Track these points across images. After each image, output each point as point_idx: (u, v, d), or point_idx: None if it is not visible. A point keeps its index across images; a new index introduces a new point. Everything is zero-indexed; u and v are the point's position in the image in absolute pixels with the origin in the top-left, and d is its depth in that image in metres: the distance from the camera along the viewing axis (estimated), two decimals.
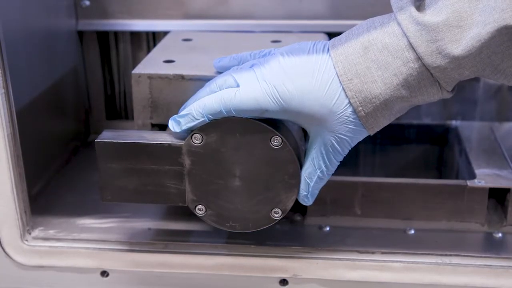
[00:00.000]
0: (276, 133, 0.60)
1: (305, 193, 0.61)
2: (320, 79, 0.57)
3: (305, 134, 0.68)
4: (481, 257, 0.65)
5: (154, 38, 0.93)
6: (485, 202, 0.70)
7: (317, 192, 0.62)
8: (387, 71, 0.56)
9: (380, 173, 0.88)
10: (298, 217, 0.72)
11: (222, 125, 0.60)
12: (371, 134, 0.60)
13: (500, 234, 0.69)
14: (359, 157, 0.89)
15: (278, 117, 0.60)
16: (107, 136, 0.63)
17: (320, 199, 0.71)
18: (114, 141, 0.62)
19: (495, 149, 0.79)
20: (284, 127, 0.61)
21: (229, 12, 0.89)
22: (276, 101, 0.58)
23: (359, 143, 0.89)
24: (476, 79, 0.91)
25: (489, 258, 0.65)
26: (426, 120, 0.93)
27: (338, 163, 0.61)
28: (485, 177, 0.71)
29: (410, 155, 0.88)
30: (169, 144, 0.61)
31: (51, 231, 0.70)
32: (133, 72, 0.68)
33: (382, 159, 0.89)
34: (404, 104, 0.58)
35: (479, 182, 0.70)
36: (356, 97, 0.56)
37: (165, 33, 0.87)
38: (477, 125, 0.87)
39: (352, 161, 0.88)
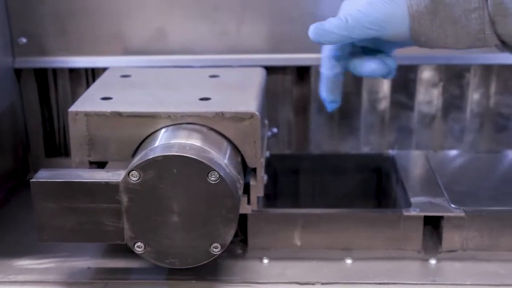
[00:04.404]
0: (213, 168, 0.60)
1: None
2: None
3: (244, 169, 0.69)
4: (417, 284, 0.66)
5: (93, 74, 0.92)
6: (421, 230, 0.72)
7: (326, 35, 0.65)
8: None
9: (321, 203, 0.89)
10: (239, 251, 0.73)
11: (159, 162, 0.60)
12: (412, 32, 0.64)
13: (435, 261, 0.71)
14: (299, 188, 0.90)
15: None
16: (43, 175, 0.62)
17: (260, 232, 0.71)
18: (50, 180, 0.62)
19: (430, 177, 0.81)
20: (221, 162, 0.62)
21: (169, 47, 0.90)
22: None
23: (299, 172, 0.90)
24: (411, 108, 0.93)
25: (425, 285, 0.66)
26: (365, 150, 0.96)
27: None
28: (420, 205, 0.73)
29: (350, 185, 0.90)
30: (106, 182, 0.61)
31: None
32: (69, 110, 0.68)
33: (323, 189, 0.90)
34: (447, 13, 0.61)
35: (414, 210, 0.72)
36: None
37: (104, 69, 0.87)
38: (413, 154, 0.90)
39: (292, 193, 0.90)
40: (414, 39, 0.65)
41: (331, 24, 0.65)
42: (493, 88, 0.93)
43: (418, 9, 0.62)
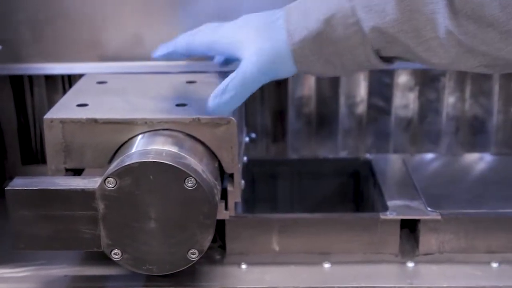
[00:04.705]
0: (190, 174, 0.60)
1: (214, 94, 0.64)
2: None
3: (222, 174, 0.69)
4: (395, 287, 0.67)
5: (70, 80, 0.92)
6: (398, 233, 0.72)
7: (224, 106, 0.65)
8: (322, 4, 0.61)
9: (299, 208, 0.89)
10: (217, 256, 0.73)
11: (136, 168, 0.60)
12: (299, 71, 0.63)
13: (413, 264, 0.71)
14: (277, 193, 0.90)
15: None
16: (18, 183, 0.62)
17: (238, 238, 0.71)
18: (25, 188, 0.61)
19: (406, 181, 0.82)
20: (197, 168, 0.62)
21: (146, 53, 0.90)
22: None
23: (277, 177, 0.90)
24: (387, 113, 0.94)
25: None
26: (343, 154, 0.96)
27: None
28: (397, 208, 0.73)
29: (327, 189, 0.91)
30: (82, 189, 0.61)
31: None
32: (45, 117, 0.67)
33: (301, 194, 0.91)
34: (331, 50, 0.61)
35: (391, 213, 0.72)
36: (288, 19, 0.62)
37: (81, 75, 0.86)
38: (390, 158, 0.90)
39: (270, 197, 0.90)
40: (303, 74, 0.65)
41: (231, 95, 0.64)
42: (468, 91, 0.94)
43: (302, 53, 0.62)
